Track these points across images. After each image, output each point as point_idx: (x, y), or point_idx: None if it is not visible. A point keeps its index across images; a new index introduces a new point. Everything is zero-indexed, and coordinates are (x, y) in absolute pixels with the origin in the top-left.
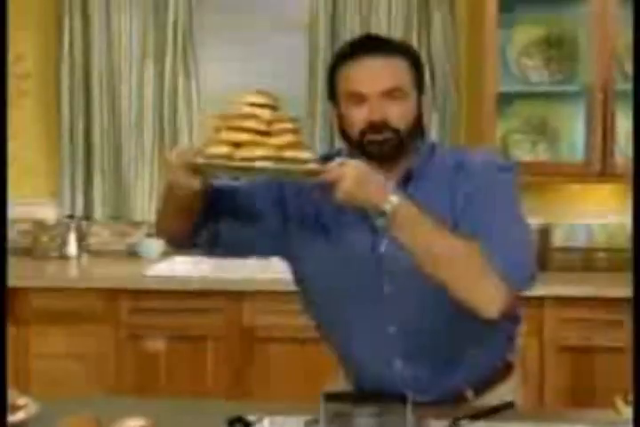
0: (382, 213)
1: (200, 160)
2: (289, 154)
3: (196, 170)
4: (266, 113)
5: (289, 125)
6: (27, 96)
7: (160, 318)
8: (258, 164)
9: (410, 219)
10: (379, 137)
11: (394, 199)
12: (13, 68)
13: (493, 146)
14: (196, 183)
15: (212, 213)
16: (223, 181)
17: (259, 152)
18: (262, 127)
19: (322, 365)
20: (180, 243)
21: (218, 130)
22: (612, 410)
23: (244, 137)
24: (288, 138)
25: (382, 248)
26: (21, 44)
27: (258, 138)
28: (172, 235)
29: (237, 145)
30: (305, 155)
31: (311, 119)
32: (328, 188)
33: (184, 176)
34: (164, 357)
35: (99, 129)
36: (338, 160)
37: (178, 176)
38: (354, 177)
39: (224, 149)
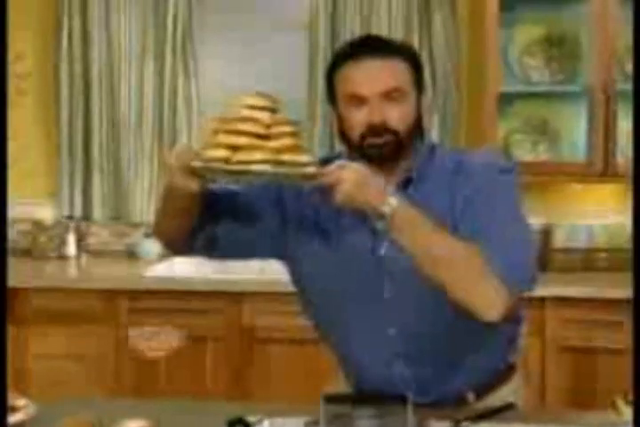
0: (382, 216)
1: (198, 164)
2: (287, 157)
3: (194, 172)
4: (265, 116)
5: (288, 129)
6: (26, 95)
7: (159, 318)
8: (255, 167)
9: (409, 221)
10: (379, 140)
11: (393, 202)
12: (13, 68)
13: (494, 146)
14: (194, 185)
15: (210, 215)
16: (221, 184)
17: (257, 156)
18: (261, 130)
19: (322, 366)
20: (178, 246)
21: (216, 133)
22: (612, 411)
23: (242, 140)
24: (287, 141)
25: (382, 251)
26: (21, 43)
27: (256, 141)
28: (169, 237)
29: (235, 148)
30: (303, 158)
31: (311, 121)
32: (327, 191)
33: (182, 178)
34: (164, 357)
35: (98, 129)
36: (337, 163)
37: (176, 178)
38: (353, 180)
39: (222, 153)
